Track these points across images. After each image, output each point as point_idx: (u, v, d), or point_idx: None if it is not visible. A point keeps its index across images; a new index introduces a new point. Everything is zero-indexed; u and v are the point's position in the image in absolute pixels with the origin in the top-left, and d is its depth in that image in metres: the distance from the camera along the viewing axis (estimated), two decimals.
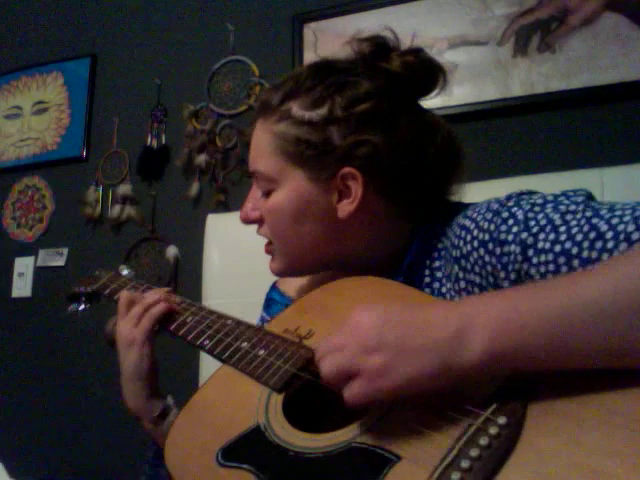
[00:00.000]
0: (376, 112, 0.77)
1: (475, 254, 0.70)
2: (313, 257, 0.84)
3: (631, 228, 0.56)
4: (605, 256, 0.57)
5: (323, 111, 0.77)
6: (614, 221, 0.58)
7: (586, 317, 0.50)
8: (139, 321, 0.89)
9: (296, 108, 0.79)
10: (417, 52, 0.81)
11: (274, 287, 1.04)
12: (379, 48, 0.80)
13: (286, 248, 0.85)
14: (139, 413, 0.89)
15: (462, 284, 0.73)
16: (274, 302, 1.01)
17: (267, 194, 0.83)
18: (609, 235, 0.58)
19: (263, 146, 0.82)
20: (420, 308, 0.59)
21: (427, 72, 0.81)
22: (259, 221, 0.86)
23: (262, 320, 1.00)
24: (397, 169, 0.77)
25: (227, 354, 0.80)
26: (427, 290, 0.77)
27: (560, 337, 0.51)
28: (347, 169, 0.77)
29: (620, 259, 0.55)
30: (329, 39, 1.94)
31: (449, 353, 0.53)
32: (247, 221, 0.87)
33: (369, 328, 0.57)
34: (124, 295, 0.93)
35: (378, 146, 0.76)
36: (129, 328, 0.89)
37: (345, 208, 0.79)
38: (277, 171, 0.81)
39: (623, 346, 0.49)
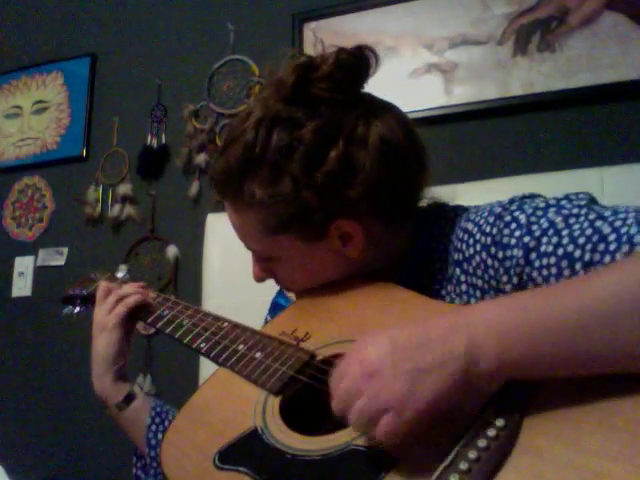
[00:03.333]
0: (335, 169, 0.73)
1: (477, 257, 0.70)
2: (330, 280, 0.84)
3: (634, 231, 0.56)
4: (607, 258, 0.57)
5: (287, 185, 0.74)
6: (617, 224, 0.58)
7: (598, 321, 0.49)
8: (113, 308, 0.94)
9: (259, 191, 0.75)
10: (334, 58, 0.76)
11: (280, 291, 1.04)
12: (300, 75, 0.75)
13: (307, 289, 0.86)
14: (104, 396, 0.92)
15: (463, 287, 0.73)
16: (280, 306, 1.01)
17: (272, 259, 0.83)
18: (612, 237, 0.57)
19: (246, 230, 0.81)
20: (426, 324, 0.56)
21: (351, 69, 0.77)
22: (274, 277, 0.87)
23: None
24: (380, 194, 0.76)
25: (224, 357, 0.80)
26: (426, 292, 0.76)
27: (572, 342, 0.50)
28: (338, 222, 0.76)
29: (628, 261, 0.54)
30: (329, 39, 1.94)
31: (466, 365, 0.52)
32: (261, 281, 0.88)
33: (381, 361, 0.55)
34: (102, 285, 0.98)
35: (355, 196, 0.74)
36: (103, 314, 0.94)
37: (353, 250, 0.78)
38: (271, 248, 0.80)
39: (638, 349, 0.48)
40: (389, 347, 0.55)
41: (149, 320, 0.95)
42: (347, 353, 0.59)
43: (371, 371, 0.55)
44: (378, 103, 0.80)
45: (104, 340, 0.92)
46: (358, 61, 0.77)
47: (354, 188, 0.74)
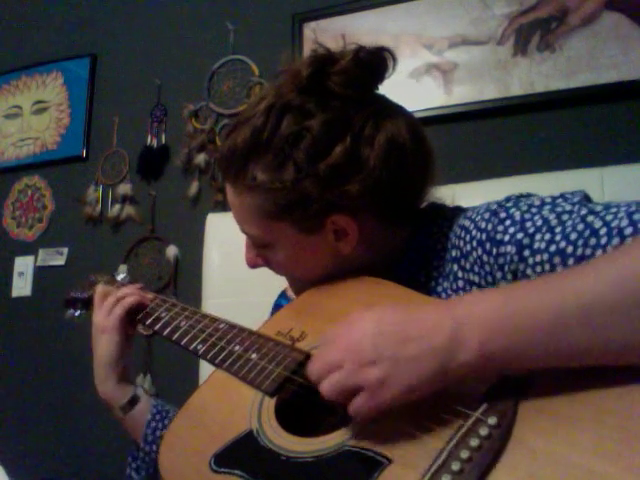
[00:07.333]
0: (339, 162, 0.74)
1: (474, 254, 0.71)
2: (326, 277, 0.84)
3: (624, 223, 0.57)
4: (599, 252, 0.57)
5: (290, 173, 0.75)
6: (608, 218, 0.59)
7: (580, 314, 0.50)
8: (111, 310, 0.95)
9: (261, 175, 0.76)
10: (353, 54, 0.76)
11: (283, 294, 1.04)
12: (317, 67, 0.76)
13: (300, 282, 0.87)
14: (108, 399, 0.93)
15: (460, 283, 0.74)
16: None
17: (265, 246, 0.83)
18: (603, 231, 0.58)
19: (243, 213, 0.81)
20: (412, 313, 0.59)
21: (367, 67, 0.77)
22: (266, 264, 0.87)
23: None
24: (380, 194, 0.76)
25: (220, 358, 0.80)
26: (422, 289, 0.77)
27: (554, 335, 0.51)
28: (334, 217, 0.77)
29: (612, 254, 0.55)
30: (329, 38, 1.94)
31: (445, 357, 0.53)
32: (254, 267, 0.88)
33: (363, 341, 0.57)
34: (99, 288, 1.00)
35: (355, 192, 0.74)
36: (102, 317, 0.95)
37: (346, 246, 0.79)
38: (266, 234, 0.80)
39: (621, 341, 0.49)
40: (374, 327, 0.58)
41: (147, 322, 0.95)
42: (337, 325, 0.61)
43: (352, 348, 0.58)
44: (390, 105, 0.81)
45: (104, 343, 0.93)
46: (376, 60, 0.78)
47: (355, 184, 0.74)
